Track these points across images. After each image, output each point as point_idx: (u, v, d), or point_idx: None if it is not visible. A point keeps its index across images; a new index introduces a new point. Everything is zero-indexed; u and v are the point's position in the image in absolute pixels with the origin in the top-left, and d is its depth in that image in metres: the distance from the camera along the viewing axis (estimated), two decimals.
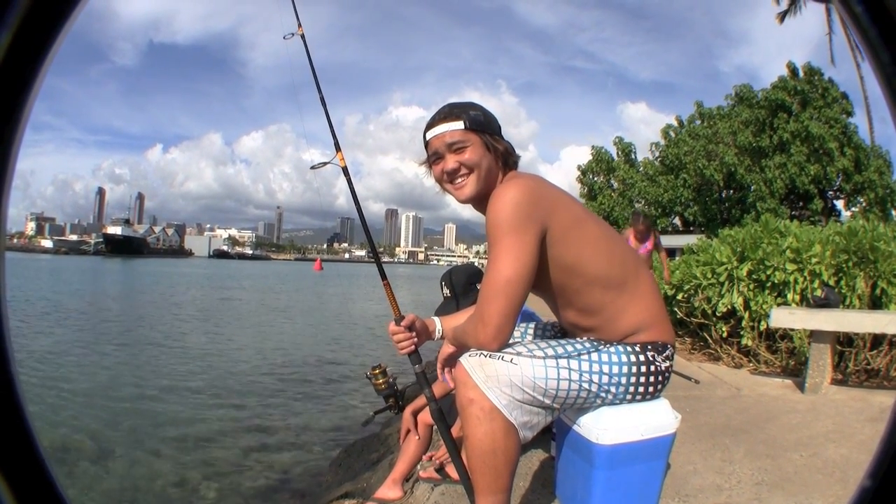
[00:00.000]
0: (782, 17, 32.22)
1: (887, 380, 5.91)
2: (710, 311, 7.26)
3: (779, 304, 6.48)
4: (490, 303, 2.10)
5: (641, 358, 2.30)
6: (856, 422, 4.62)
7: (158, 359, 13.58)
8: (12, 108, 0.59)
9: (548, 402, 2.19)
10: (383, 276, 3.01)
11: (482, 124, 2.35)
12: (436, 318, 2.79)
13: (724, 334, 7.13)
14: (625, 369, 2.27)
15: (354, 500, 4.16)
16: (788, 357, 6.50)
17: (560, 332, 2.73)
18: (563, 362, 2.19)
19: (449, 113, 2.36)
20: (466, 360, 2.16)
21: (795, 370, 6.38)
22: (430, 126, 2.38)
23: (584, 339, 2.36)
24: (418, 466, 3.68)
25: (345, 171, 3.11)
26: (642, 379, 2.30)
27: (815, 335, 5.65)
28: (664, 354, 2.36)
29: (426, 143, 2.40)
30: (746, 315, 6.85)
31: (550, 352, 2.21)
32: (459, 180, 2.34)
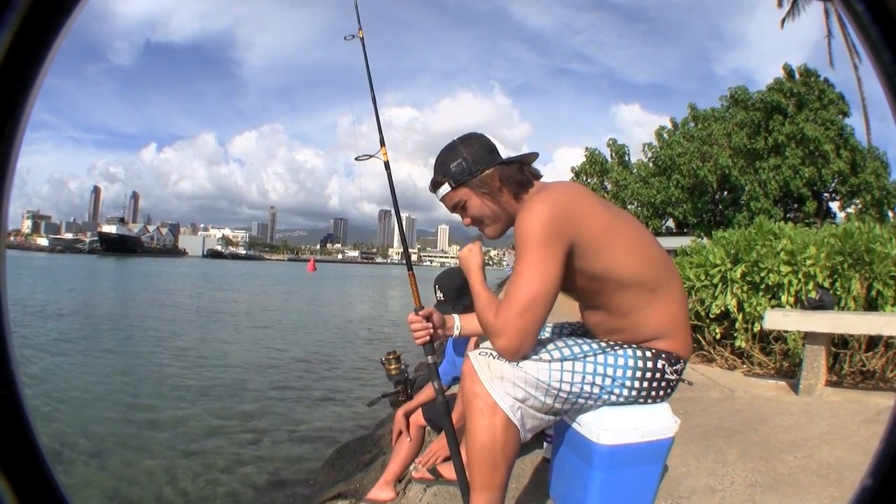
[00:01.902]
0: (783, 21, 32.31)
1: (883, 381, 5.91)
2: (703, 313, 7.25)
3: (773, 306, 6.48)
4: (514, 318, 2.11)
5: (650, 364, 2.32)
6: (851, 423, 4.61)
7: (153, 358, 13.55)
8: (13, 107, 0.58)
9: (549, 401, 2.21)
10: (410, 268, 3.13)
11: (466, 171, 2.37)
12: (455, 316, 2.81)
13: (718, 336, 7.13)
14: (629, 373, 2.29)
15: (347, 500, 4.16)
16: (782, 359, 6.51)
17: (571, 332, 2.74)
18: (567, 365, 2.21)
19: (434, 182, 2.44)
20: (475, 358, 2.18)
21: (789, 372, 6.38)
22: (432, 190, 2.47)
23: (599, 340, 2.39)
24: (411, 467, 3.68)
25: (386, 165, 3.20)
26: (645, 384, 2.33)
27: (809, 337, 5.65)
28: (675, 367, 2.38)
29: None
30: (740, 317, 6.84)
31: (557, 354, 2.23)
32: (480, 228, 2.44)
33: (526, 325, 2.10)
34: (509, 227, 2.37)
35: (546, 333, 2.77)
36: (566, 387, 2.21)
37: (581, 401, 2.27)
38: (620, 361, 2.30)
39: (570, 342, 2.33)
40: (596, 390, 2.27)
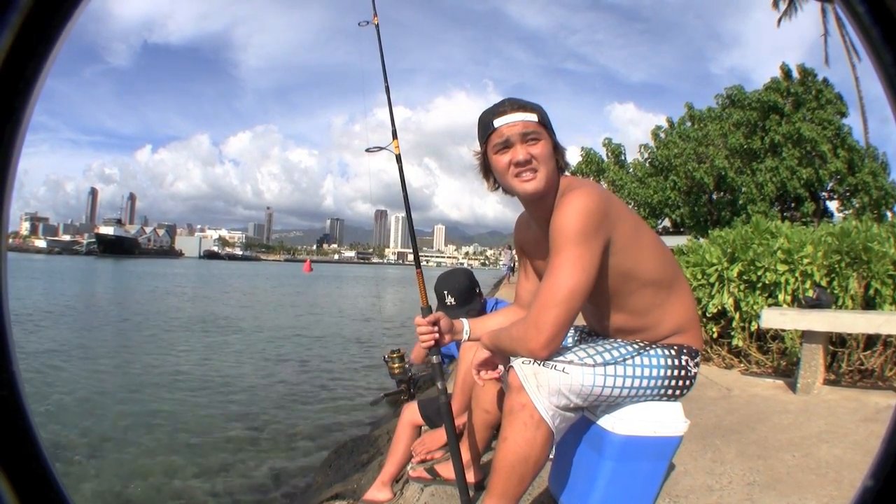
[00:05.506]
0: (779, 20, 32.37)
1: (882, 380, 5.90)
2: (700, 312, 7.22)
3: (770, 305, 6.48)
4: (549, 311, 2.10)
5: (677, 362, 2.36)
6: (849, 422, 4.60)
7: (151, 358, 13.56)
8: (14, 108, 0.58)
9: (585, 405, 2.26)
10: (418, 265, 3.20)
11: (549, 123, 2.34)
12: (464, 320, 2.79)
13: (715, 335, 7.11)
14: (661, 372, 2.34)
15: (345, 501, 4.15)
16: (780, 357, 6.50)
17: (586, 334, 2.73)
18: (609, 369, 2.24)
19: (523, 105, 2.32)
20: (520, 368, 2.18)
21: (787, 370, 6.37)
22: (498, 114, 2.30)
23: (627, 341, 2.41)
24: (408, 467, 3.67)
25: (398, 158, 3.17)
26: (673, 382, 2.37)
27: (806, 335, 5.64)
28: (695, 360, 2.43)
29: (489, 133, 2.32)
30: (737, 316, 6.83)
31: (599, 359, 2.25)
32: (527, 174, 2.27)
33: (560, 318, 2.10)
34: (547, 189, 2.30)
35: (573, 337, 2.76)
36: (607, 391, 2.24)
37: (612, 399, 2.30)
38: (654, 362, 2.34)
39: (607, 345, 2.36)
40: (633, 392, 2.30)
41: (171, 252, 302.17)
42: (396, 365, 3.43)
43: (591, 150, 30.83)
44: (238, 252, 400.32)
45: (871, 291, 6.12)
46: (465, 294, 3.84)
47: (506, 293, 20.79)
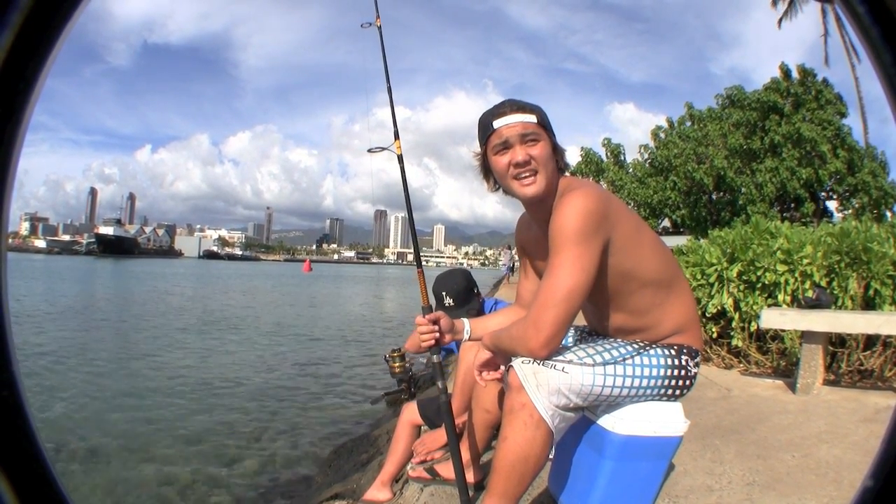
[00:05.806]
0: (780, 20, 32.36)
1: (881, 380, 5.90)
2: (699, 312, 7.21)
3: (769, 305, 6.47)
4: (548, 310, 2.10)
5: (677, 362, 2.37)
6: (849, 422, 4.59)
7: (150, 360, 13.54)
8: (15, 107, 0.58)
9: (584, 404, 2.26)
10: (419, 265, 3.19)
11: (549, 125, 2.35)
12: (465, 320, 2.81)
13: (714, 335, 7.11)
14: (661, 372, 2.34)
15: (344, 501, 4.14)
16: (779, 358, 6.49)
17: (586, 334, 2.73)
18: (609, 369, 2.24)
19: (522, 106, 2.32)
20: (520, 367, 2.18)
21: (787, 371, 6.36)
22: (498, 115, 2.32)
23: (626, 341, 2.41)
24: (408, 467, 3.67)
25: (400, 158, 3.18)
26: (673, 382, 2.38)
27: (806, 336, 5.63)
28: (695, 360, 2.43)
29: (489, 134, 2.33)
30: (737, 316, 6.82)
31: (598, 358, 2.25)
32: (526, 177, 2.28)
33: (559, 317, 2.10)
34: (547, 192, 2.31)
35: (573, 336, 2.76)
36: (606, 391, 2.25)
37: (612, 398, 2.31)
38: (654, 361, 2.34)
39: (607, 345, 2.36)
40: (633, 392, 2.31)
41: (170, 252, 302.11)
42: (397, 364, 3.42)
43: (590, 150, 30.75)
44: (238, 252, 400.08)
45: (871, 292, 6.11)
46: (463, 295, 3.85)
47: (505, 293, 20.78)
